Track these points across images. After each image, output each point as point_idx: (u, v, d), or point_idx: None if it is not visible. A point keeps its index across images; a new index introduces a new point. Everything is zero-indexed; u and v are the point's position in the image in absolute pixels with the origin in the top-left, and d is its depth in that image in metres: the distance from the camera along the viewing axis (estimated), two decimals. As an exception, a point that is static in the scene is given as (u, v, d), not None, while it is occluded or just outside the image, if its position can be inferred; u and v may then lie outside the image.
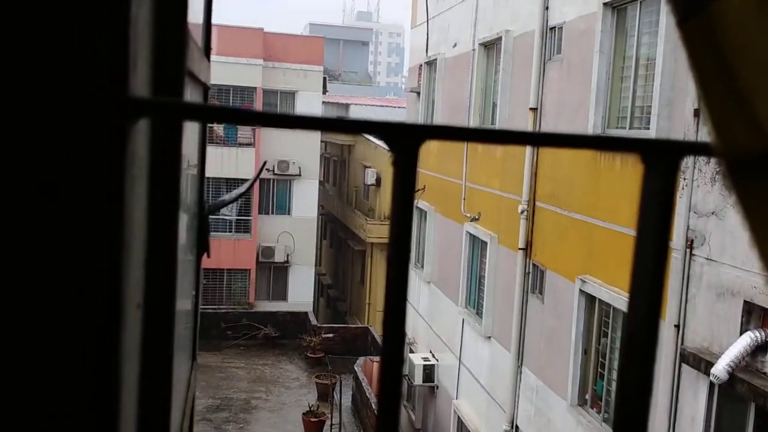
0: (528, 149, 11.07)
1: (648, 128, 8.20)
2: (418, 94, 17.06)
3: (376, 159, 25.60)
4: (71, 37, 0.52)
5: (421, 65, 16.92)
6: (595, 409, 9.35)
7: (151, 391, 0.81)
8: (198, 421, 17.63)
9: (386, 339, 0.46)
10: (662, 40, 7.87)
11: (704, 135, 6.94)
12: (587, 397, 9.53)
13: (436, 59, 15.89)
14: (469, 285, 13.74)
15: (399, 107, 36.17)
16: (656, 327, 0.48)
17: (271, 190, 26.63)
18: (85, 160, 0.52)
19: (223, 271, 25.59)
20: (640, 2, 8.55)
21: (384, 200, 24.78)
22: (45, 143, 0.52)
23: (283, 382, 21.56)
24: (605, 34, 9.11)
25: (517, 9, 11.83)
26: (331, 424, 17.88)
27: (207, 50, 1.86)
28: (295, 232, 26.44)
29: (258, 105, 25.49)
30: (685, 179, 7.41)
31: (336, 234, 30.57)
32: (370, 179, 25.58)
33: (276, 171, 25.94)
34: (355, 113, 35.60)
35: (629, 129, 8.71)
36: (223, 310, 25.12)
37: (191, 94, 1.34)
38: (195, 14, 1.44)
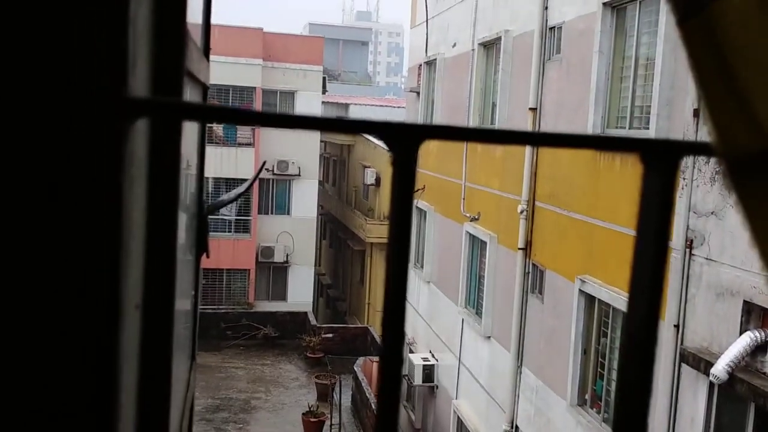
0: (527, 149, 11.07)
1: (647, 128, 8.20)
2: (418, 94, 17.06)
3: (375, 159, 25.60)
4: (70, 37, 0.52)
5: (421, 65, 16.92)
6: (594, 408, 9.35)
7: (150, 391, 0.81)
8: (197, 421, 17.63)
9: (385, 339, 0.46)
10: (662, 40, 7.87)
11: (704, 135, 6.95)
12: (587, 396, 9.53)
13: (435, 59, 15.89)
14: (469, 285, 13.74)
15: (398, 107, 36.18)
16: (656, 327, 0.48)
17: (271, 190, 26.63)
18: (84, 160, 0.52)
19: (223, 271, 25.59)
20: (640, 2, 8.55)
21: (383, 200, 24.78)
22: (43, 143, 0.52)
23: (282, 382, 21.56)
24: (605, 34, 9.11)
25: (516, 9, 11.83)
26: (331, 425, 17.88)
27: (206, 50, 1.86)
28: (294, 232, 26.44)
29: (257, 105, 25.49)
30: (684, 179, 7.41)
31: (335, 234, 30.58)
32: (370, 179, 25.58)
33: (275, 171, 25.94)
34: (355, 113, 35.62)
35: (629, 129, 8.71)
36: (222, 310, 25.11)
37: (190, 94, 1.34)
38: (194, 14, 1.44)
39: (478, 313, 13.14)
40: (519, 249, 11.20)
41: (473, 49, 13.63)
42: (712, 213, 7.05)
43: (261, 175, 25.25)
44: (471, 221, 13.32)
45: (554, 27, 10.57)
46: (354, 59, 79.70)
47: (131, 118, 0.57)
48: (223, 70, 23.63)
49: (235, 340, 24.25)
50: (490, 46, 13.07)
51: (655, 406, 7.50)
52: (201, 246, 1.83)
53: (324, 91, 28.07)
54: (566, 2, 10.23)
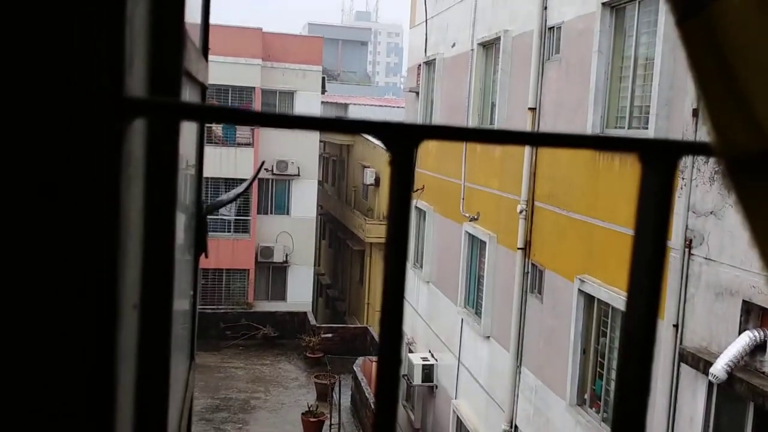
0: (527, 149, 11.07)
1: (647, 128, 8.20)
2: (417, 94, 17.06)
3: (375, 159, 25.60)
4: (66, 37, 0.51)
5: (420, 65, 16.92)
6: (594, 408, 9.35)
7: (148, 391, 0.81)
8: (197, 421, 17.62)
9: (383, 339, 0.46)
10: (661, 40, 7.87)
11: (703, 134, 6.95)
12: (586, 396, 9.53)
13: (434, 59, 15.89)
14: (468, 285, 13.74)
15: (398, 107, 36.17)
16: (654, 326, 0.48)
17: (270, 190, 26.64)
18: (81, 160, 0.52)
19: (222, 271, 25.59)
20: (639, 2, 8.55)
21: (383, 200, 24.78)
22: (40, 143, 0.52)
23: (282, 382, 21.56)
24: (604, 33, 9.12)
25: (515, 9, 11.83)
26: (330, 424, 17.88)
27: (205, 50, 1.86)
28: (294, 232, 26.44)
29: (257, 105, 25.49)
30: (683, 179, 7.41)
31: (335, 234, 30.58)
32: (369, 179, 25.58)
33: (275, 171, 25.94)
34: (354, 113, 35.61)
35: (628, 129, 8.71)
36: (222, 310, 25.12)
37: (189, 94, 1.34)
38: (193, 14, 1.44)
39: (478, 313, 13.14)
40: (518, 249, 11.21)
41: (472, 49, 13.63)
42: (711, 213, 7.05)
43: (260, 175, 25.26)
44: (470, 221, 13.32)
45: (553, 27, 10.57)
46: (353, 59, 79.72)
47: (128, 118, 0.57)
48: (223, 70, 23.63)
49: (235, 340, 24.25)
50: (490, 46, 13.08)
51: (654, 405, 7.51)
52: (200, 246, 1.83)
53: (323, 91, 28.08)
54: (565, 2, 10.24)
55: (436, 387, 15.20)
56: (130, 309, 0.68)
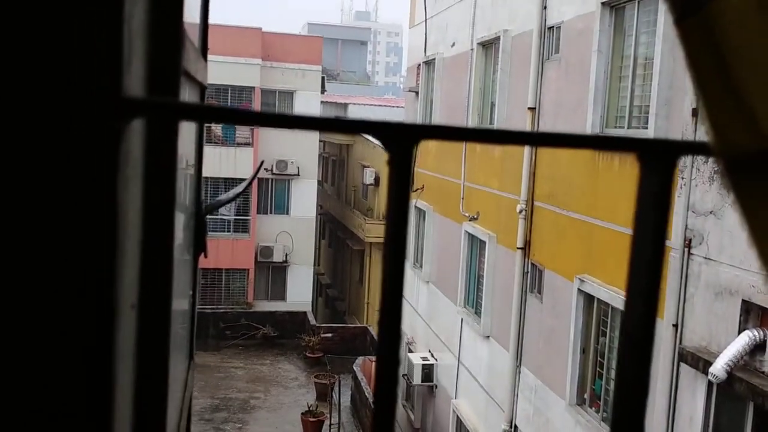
0: (526, 149, 11.07)
1: (646, 127, 8.20)
2: (417, 93, 17.06)
3: (374, 159, 25.60)
4: (64, 36, 0.51)
5: (420, 65, 16.92)
6: (593, 408, 9.35)
7: (146, 391, 0.81)
8: (196, 421, 17.62)
9: (382, 338, 0.46)
10: (660, 40, 7.87)
11: (702, 134, 6.94)
12: (586, 396, 9.53)
13: (434, 59, 15.89)
14: (468, 284, 13.75)
15: (397, 107, 36.16)
16: (653, 325, 0.48)
17: (270, 190, 26.64)
18: (79, 159, 0.52)
19: (222, 271, 25.59)
20: (638, 2, 8.55)
21: (382, 200, 24.77)
22: (37, 143, 0.51)
23: (281, 382, 21.56)
24: (603, 33, 9.12)
25: (515, 8, 11.83)
26: (330, 424, 17.88)
27: (204, 49, 1.86)
28: (293, 231, 26.44)
29: (256, 104, 25.49)
30: (683, 178, 7.41)
31: (335, 233, 30.58)
32: (369, 179, 25.57)
33: (274, 171, 25.94)
34: (354, 113, 35.61)
35: (627, 128, 8.71)
36: (221, 310, 25.12)
37: (188, 94, 1.34)
38: (191, 13, 1.44)
39: (477, 313, 13.14)
40: (518, 248, 11.21)
41: (472, 49, 13.63)
42: (710, 212, 7.05)
43: (260, 175, 25.27)
44: (470, 221, 13.32)
45: (553, 26, 10.57)
46: (353, 59, 79.72)
47: (126, 118, 0.57)
48: (222, 70, 23.63)
49: (234, 340, 24.25)
50: (489, 45, 13.08)
51: (654, 405, 7.51)
52: (199, 246, 1.83)
53: (323, 90, 28.08)
54: (565, 2, 10.24)
55: (436, 387, 15.20)
56: (128, 309, 0.68)
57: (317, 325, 24.71)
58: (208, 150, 22.87)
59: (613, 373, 8.93)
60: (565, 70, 10.18)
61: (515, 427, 11.38)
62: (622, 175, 8.46)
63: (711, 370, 6.48)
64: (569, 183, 9.87)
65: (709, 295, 7.03)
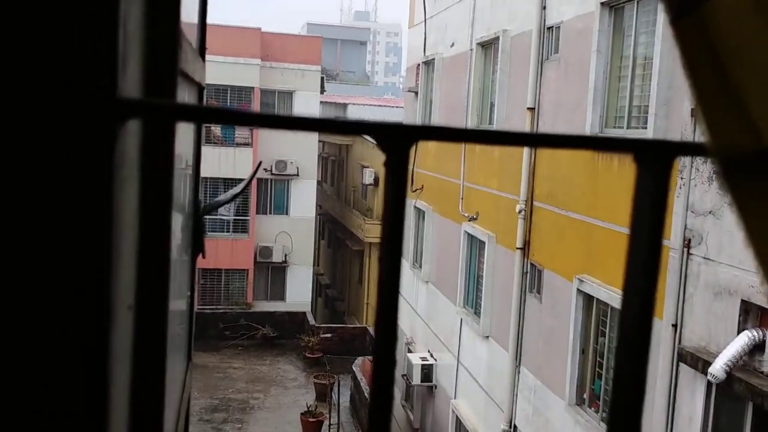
0: (526, 149, 11.07)
1: (645, 128, 8.20)
2: (416, 93, 17.06)
3: (374, 159, 25.60)
4: (59, 37, 0.51)
5: (419, 65, 16.92)
6: (593, 408, 9.35)
7: (143, 391, 0.81)
8: (196, 422, 17.62)
9: (378, 338, 0.46)
10: (659, 40, 7.87)
11: (701, 134, 6.94)
12: (585, 396, 9.53)
13: (433, 59, 15.89)
14: (467, 284, 13.74)
15: (397, 107, 36.17)
16: (649, 325, 0.48)
17: (269, 190, 26.63)
18: (74, 160, 0.52)
19: (221, 271, 25.58)
20: (638, 2, 8.55)
21: (382, 200, 24.75)
22: (33, 144, 0.51)
23: (281, 383, 21.56)
24: (602, 33, 9.12)
25: (514, 9, 11.83)
26: (330, 425, 17.88)
27: (202, 50, 1.85)
28: (293, 232, 26.44)
29: (256, 105, 25.49)
30: (682, 178, 7.41)
31: (334, 234, 30.58)
32: (368, 179, 25.58)
33: (274, 171, 25.94)
34: (353, 113, 35.61)
35: (626, 129, 8.71)
36: (221, 311, 25.11)
37: (185, 95, 1.34)
38: (189, 13, 1.44)
39: (477, 313, 13.14)
40: (517, 249, 11.21)
41: (471, 49, 13.63)
42: (709, 212, 7.05)
43: (259, 175, 25.26)
44: (469, 221, 13.32)
45: (552, 27, 10.57)
46: (352, 59, 79.72)
47: (122, 119, 0.57)
48: (221, 70, 23.62)
49: (234, 341, 24.24)
50: (488, 45, 13.08)
51: (653, 405, 7.51)
52: (197, 246, 1.83)
53: (322, 91, 28.08)
54: (564, 2, 10.24)
55: (435, 387, 15.20)
56: (125, 310, 0.67)
57: (317, 325, 24.71)
58: (207, 150, 22.87)
59: (612, 374, 8.92)
60: (565, 71, 10.18)
61: (514, 427, 11.38)
62: (622, 175, 8.46)
63: (710, 370, 6.48)
64: (569, 183, 9.87)
65: (708, 295, 7.03)
